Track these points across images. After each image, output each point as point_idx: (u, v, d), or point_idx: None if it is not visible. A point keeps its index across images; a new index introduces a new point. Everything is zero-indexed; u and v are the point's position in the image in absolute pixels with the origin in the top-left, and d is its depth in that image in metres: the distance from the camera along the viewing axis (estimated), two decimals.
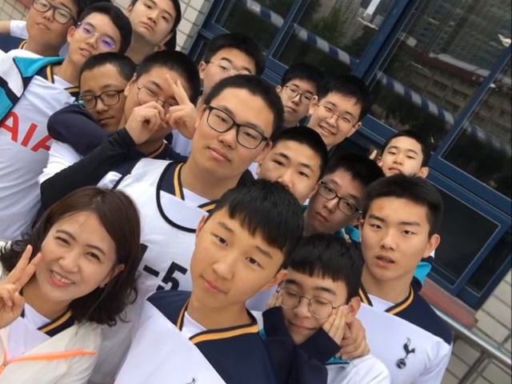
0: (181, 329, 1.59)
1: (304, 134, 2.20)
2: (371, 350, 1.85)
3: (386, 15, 4.38)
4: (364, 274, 1.96)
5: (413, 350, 2.01)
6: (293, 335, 1.75)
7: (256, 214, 1.44)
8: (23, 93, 2.42)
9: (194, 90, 2.21)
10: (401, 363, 2.00)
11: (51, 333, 1.68)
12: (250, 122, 1.76)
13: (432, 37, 4.55)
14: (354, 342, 1.81)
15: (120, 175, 1.97)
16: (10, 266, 1.60)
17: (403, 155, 2.93)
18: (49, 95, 2.44)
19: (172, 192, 1.90)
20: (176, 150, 2.47)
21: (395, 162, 2.91)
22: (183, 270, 1.83)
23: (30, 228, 2.49)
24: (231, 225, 1.46)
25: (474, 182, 3.96)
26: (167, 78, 2.08)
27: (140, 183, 1.94)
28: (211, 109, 1.78)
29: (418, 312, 2.07)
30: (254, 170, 2.21)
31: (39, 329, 1.67)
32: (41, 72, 2.48)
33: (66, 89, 2.49)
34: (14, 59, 2.44)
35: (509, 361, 3.49)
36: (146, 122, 2.04)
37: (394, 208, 1.95)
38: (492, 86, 4.01)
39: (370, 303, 2.02)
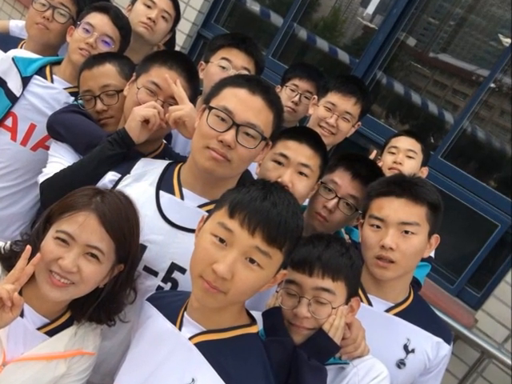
0: (180, 329, 1.59)
1: (304, 133, 2.20)
2: (371, 351, 1.84)
3: (386, 15, 4.38)
4: (364, 274, 1.95)
5: (412, 351, 2.01)
6: (292, 335, 1.74)
7: (255, 214, 1.44)
8: (22, 92, 2.41)
9: (194, 89, 2.21)
10: (400, 363, 1.99)
11: (50, 333, 1.68)
12: (250, 122, 1.76)
13: (432, 36, 4.55)
14: (354, 342, 1.80)
15: (119, 175, 1.96)
16: (9, 266, 1.60)
17: (403, 155, 2.93)
18: (48, 95, 2.44)
19: (171, 192, 1.90)
20: (175, 149, 2.46)
21: (395, 162, 2.91)
22: (182, 270, 1.83)
23: (29, 228, 2.48)
24: (231, 225, 1.46)
25: (473, 182, 3.96)
26: (166, 77, 2.08)
27: (139, 183, 1.93)
28: (211, 109, 1.78)
29: (417, 312, 2.07)
30: (254, 169, 2.21)
31: (38, 329, 1.67)
32: (40, 72, 2.48)
33: (65, 88, 2.49)
34: (13, 59, 2.44)
35: (509, 361, 3.49)
36: (146, 121, 2.04)
37: (394, 208, 1.94)
38: (492, 85, 4.01)
39: (369, 303, 2.02)
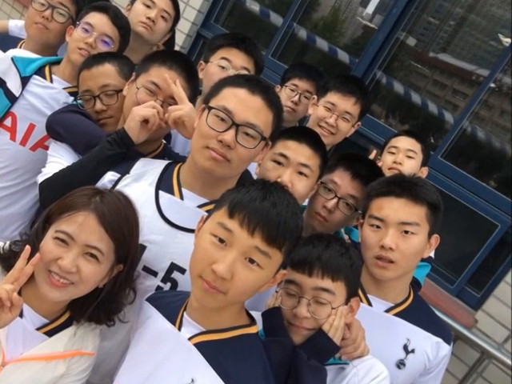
0: (180, 329, 1.59)
1: (303, 133, 2.20)
2: (371, 351, 1.84)
3: (386, 14, 4.38)
4: (363, 274, 1.95)
5: (412, 351, 2.01)
6: (292, 336, 1.74)
7: (255, 214, 1.44)
8: (22, 92, 2.41)
9: (193, 89, 2.21)
10: (400, 364, 1.99)
11: (50, 333, 1.68)
12: (249, 122, 1.75)
13: (432, 36, 4.55)
14: (354, 342, 1.80)
15: (119, 175, 1.96)
16: (8, 266, 1.60)
17: (403, 155, 2.93)
18: (47, 95, 2.44)
19: (171, 192, 1.89)
20: (175, 149, 2.46)
21: (395, 162, 2.91)
22: (182, 271, 1.82)
23: (28, 228, 2.48)
24: (230, 225, 1.46)
25: (473, 182, 3.96)
26: (166, 77, 2.07)
27: (139, 183, 1.93)
28: (210, 108, 1.78)
29: (417, 312, 2.07)
30: (253, 169, 2.21)
31: (38, 329, 1.67)
32: (39, 72, 2.48)
33: (64, 88, 2.49)
34: (12, 59, 2.43)
35: (509, 361, 3.49)
36: (145, 121, 2.03)
37: (394, 208, 1.94)
38: (492, 85, 4.01)
39: (369, 303, 2.01)
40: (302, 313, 1.72)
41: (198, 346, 1.53)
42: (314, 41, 4.92)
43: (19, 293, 1.49)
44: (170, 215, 1.85)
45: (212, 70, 2.55)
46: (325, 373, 1.71)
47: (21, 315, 1.59)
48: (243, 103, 1.76)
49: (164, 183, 1.92)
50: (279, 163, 2.14)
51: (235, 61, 2.54)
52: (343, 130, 2.83)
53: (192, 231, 1.64)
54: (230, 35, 2.75)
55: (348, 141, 3.26)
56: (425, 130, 4.50)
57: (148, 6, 2.92)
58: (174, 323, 1.61)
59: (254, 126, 1.76)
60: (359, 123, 2.94)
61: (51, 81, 2.49)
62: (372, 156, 3.12)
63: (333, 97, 2.80)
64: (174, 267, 1.83)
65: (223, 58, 2.54)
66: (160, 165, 1.99)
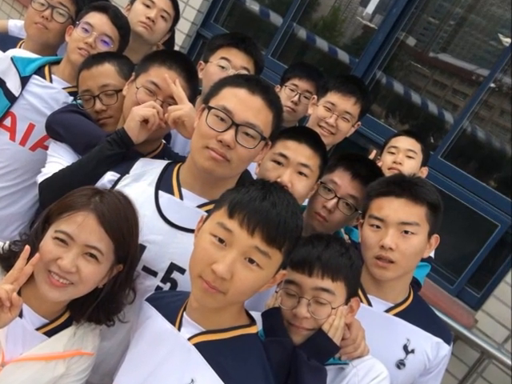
0: (179, 329, 1.59)
1: (303, 133, 2.20)
2: (371, 351, 1.84)
3: (386, 14, 4.38)
4: (363, 274, 1.95)
5: (412, 351, 2.00)
6: (292, 336, 1.74)
7: (255, 214, 1.44)
8: (21, 92, 2.41)
9: (193, 89, 2.20)
10: (400, 364, 1.99)
11: (49, 333, 1.68)
12: (249, 122, 1.75)
13: (432, 36, 4.55)
14: (354, 342, 1.80)
15: (118, 175, 1.96)
16: (7, 266, 1.60)
17: (403, 155, 2.93)
18: (47, 95, 2.43)
19: (171, 192, 1.89)
20: (175, 149, 2.46)
21: (395, 162, 2.90)
22: (182, 271, 1.82)
23: (28, 228, 2.48)
24: (230, 225, 1.45)
25: (473, 182, 3.96)
26: (166, 77, 2.07)
27: (138, 183, 1.93)
28: (210, 108, 1.78)
29: (417, 312, 2.06)
30: (253, 169, 2.20)
31: (37, 329, 1.67)
32: (39, 71, 2.47)
33: (64, 88, 2.48)
34: (12, 59, 2.43)
35: (509, 361, 3.48)
36: (145, 121, 2.03)
37: (394, 208, 1.94)
38: (492, 85, 4.00)
39: (369, 304, 2.01)
40: (302, 313, 1.72)
41: (197, 346, 1.53)
42: (314, 41, 4.92)
43: (19, 293, 1.49)
44: (169, 215, 1.85)
45: (212, 69, 2.55)
46: (325, 373, 1.71)
47: (20, 315, 1.59)
48: (243, 103, 1.76)
49: (164, 183, 1.91)
50: (279, 163, 2.13)
51: (235, 61, 2.54)
52: (343, 129, 2.82)
53: (192, 231, 1.64)
54: (229, 35, 2.75)
55: (348, 141, 3.26)
56: (425, 130, 4.50)
57: (148, 6, 2.92)
58: (173, 323, 1.61)
59: (254, 125, 1.76)
60: (359, 123, 2.94)
61: (51, 81, 2.49)
62: (372, 156, 3.12)
63: (333, 97, 2.80)
64: (173, 267, 1.83)
65: (223, 58, 2.54)
66: (160, 165, 1.99)
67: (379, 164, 2.84)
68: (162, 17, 2.96)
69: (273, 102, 1.82)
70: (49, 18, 2.66)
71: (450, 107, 4.48)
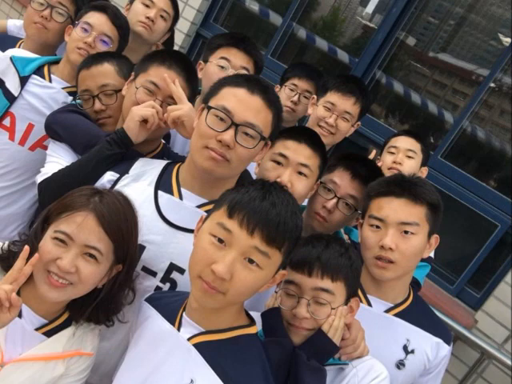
0: (179, 330, 1.59)
1: (303, 133, 2.19)
2: (370, 351, 1.84)
3: (386, 14, 4.38)
4: (363, 274, 1.95)
5: (412, 351, 2.00)
6: (291, 336, 1.74)
7: (254, 214, 1.44)
8: (20, 92, 2.40)
9: (192, 89, 2.20)
10: (400, 364, 1.99)
11: (49, 334, 1.68)
12: (249, 122, 1.75)
13: (431, 36, 4.55)
14: (353, 342, 1.80)
15: (118, 175, 1.96)
16: (7, 266, 1.60)
17: (402, 155, 2.92)
18: (46, 94, 2.43)
19: (170, 192, 1.89)
20: (174, 149, 2.46)
21: (394, 162, 2.90)
22: (181, 271, 1.82)
23: (27, 228, 2.48)
24: (229, 225, 1.45)
25: (473, 182, 3.96)
26: (165, 77, 2.07)
27: (138, 183, 1.93)
28: (209, 108, 1.78)
29: (417, 313, 2.06)
30: (253, 169, 2.20)
31: (36, 329, 1.66)
32: (38, 71, 2.47)
33: (63, 88, 2.48)
34: (11, 58, 2.42)
35: (509, 362, 3.48)
36: (144, 121, 2.03)
37: (394, 208, 1.94)
38: (492, 85, 4.01)
39: (369, 304, 2.01)
40: (302, 313, 1.72)
41: (197, 346, 1.53)
42: (314, 40, 4.92)
43: (18, 293, 1.49)
44: (169, 215, 1.85)
45: (211, 69, 2.55)
46: (324, 373, 1.70)
47: (20, 315, 1.59)
48: (242, 103, 1.76)
49: (163, 183, 1.91)
50: (279, 163, 2.13)
51: (234, 60, 2.54)
52: (343, 129, 2.82)
53: (191, 231, 1.64)
54: (229, 35, 2.75)
55: (348, 141, 3.26)
56: (425, 130, 4.50)
57: (147, 6, 2.92)
58: (173, 323, 1.61)
59: (254, 125, 1.76)
60: (359, 123, 2.94)
61: (50, 80, 2.48)
62: (372, 156, 3.11)
63: (332, 96, 2.79)
64: (173, 267, 1.83)
65: (222, 58, 2.54)
66: (159, 165, 1.99)
67: (379, 164, 2.84)
68: (162, 16, 2.95)
69: (272, 102, 1.82)
70: (48, 17, 2.65)
71: (450, 107, 4.48)
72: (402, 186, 1.95)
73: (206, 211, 1.70)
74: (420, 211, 1.94)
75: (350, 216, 2.24)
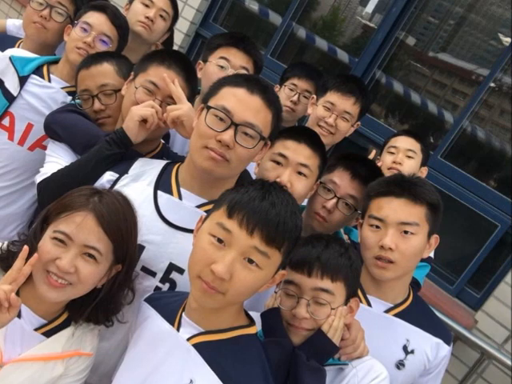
0: (178, 330, 1.59)
1: (302, 133, 2.19)
2: (370, 351, 1.84)
3: (385, 14, 4.38)
4: (363, 274, 1.95)
5: (412, 351, 2.00)
6: (291, 336, 1.74)
7: (254, 214, 1.44)
8: (20, 92, 2.40)
9: (192, 89, 2.20)
10: (400, 364, 1.99)
11: (48, 334, 1.67)
12: (248, 122, 1.75)
13: (431, 36, 4.55)
14: (353, 343, 1.80)
15: (117, 175, 1.96)
16: (6, 266, 1.59)
17: (402, 155, 2.92)
18: (45, 94, 2.43)
19: (169, 192, 1.89)
20: (173, 149, 2.46)
21: (394, 162, 2.90)
22: (181, 271, 1.82)
23: (26, 228, 2.48)
24: (229, 225, 1.45)
25: (473, 182, 3.96)
26: (165, 77, 2.07)
27: (137, 183, 1.93)
28: (209, 108, 1.77)
29: (417, 313, 2.06)
30: (252, 169, 2.20)
31: (36, 330, 1.66)
32: (37, 71, 2.47)
33: (62, 88, 2.48)
34: (10, 58, 2.42)
35: (509, 362, 3.48)
36: (144, 121, 2.03)
37: (393, 208, 1.94)
38: (492, 85, 4.01)
39: (368, 304, 2.01)
40: (302, 313, 1.71)
41: (196, 346, 1.53)
42: (314, 40, 4.92)
43: (17, 293, 1.49)
44: (168, 215, 1.85)
45: (211, 69, 2.54)
46: (324, 373, 1.70)
47: (19, 316, 1.59)
48: (242, 103, 1.76)
49: (162, 183, 1.91)
50: (278, 163, 2.13)
51: (234, 60, 2.53)
52: (342, 129, 2.82)
53: (191, 231, 1.65)
54: (228, 35, 2.74)
55: (347, 141, 3.26)
56: (424, 130, 4.49)
57: (146, 6, 2.91)
58: (172, 324, 1.61)
59: (253, 125, 1.76)
60: (358, 123, 2.94)
61: (49, 80, 2.48)
62: (371, 156, 3.11)
63: (332, 96, 2.79)
64: (172, 267, 1.82)
65: (222, 58, 2.54)
66: (158, 165, 1.99)
67: (379, 164, 2.84)
68: (161, 16, 2.95)
69: (272, 102, 1.82)
70: (47, 17, 2.65)
71: (450, 107, 4.48)
72: (402, 186, 1.95)
73: (206, 211, 1.70)
74: (420, 211, 1.94)
75: (350, 216, 2.24)
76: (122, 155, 2.03)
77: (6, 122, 2.40)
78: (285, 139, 2.14)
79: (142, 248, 1.81)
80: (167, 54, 2.19)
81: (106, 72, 2.29)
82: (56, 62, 2.56)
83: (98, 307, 1.71)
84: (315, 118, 2.84)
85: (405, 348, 2.00)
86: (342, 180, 2.23)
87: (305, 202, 2.30)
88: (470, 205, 3.93)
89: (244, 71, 2.52)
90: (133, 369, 1.62)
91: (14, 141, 2.41)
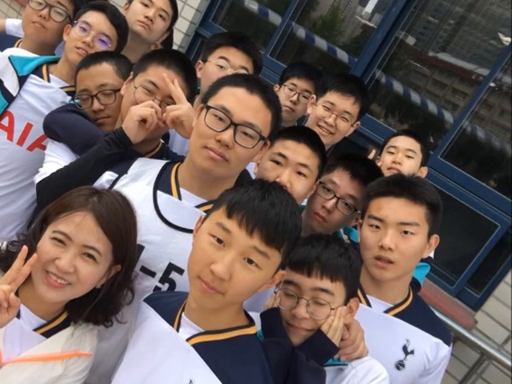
0: (178, 330, 1.58)
1: (302, 133, 2.19)
2: (370, 352, 1.84)
3: (385, 13, 4.38)
4: (363, 274, 1.95)
5: (412, 352, 2.00)
6: (291, 336, 1.73)
7: (254, 214, 1.43)
8: (19, 92, 2.40)
9: (191, 89, 2.20)
10: (400, 365, 1.99)
11: (47, 334, 1.67)
12: (248, 122, 1.75)
13: (431, 35, 4.55)
14: (353, 343, 1.80)
15: (116, 175, 1.95)
16: (5, 266, 1.59)
17: (402, 155, 2.92)
18: (45, 94, 2.42)
19: (169, 192, 1.89)
20: (173, 149, 2.45)
21: (394, 162, 2.90)
22: (180, 271, 1.82)
23: (25, 228, 2.48)
24: (229, 225, 1.45)
25: (473, 182, 3.96)
26: (164, 76, 2.06)
27: (137, 183, 1.92)
28: (208, 108, 1.77)
29: (417, 313, 2.06)
30: (252, 169, 2.20)
31: (35, 330, 1.66)
32: (37, 71, 2.47)
33: (61, 88, 2.47)
34: (9, 58, 2.42)
35: (509, 362, 3.48)
36: (143, 121, 2.02)
37: (393, 208, 1.93)
38: (492, 85, 4.01)
39: (368, 304, 2.01)
40: (301, 313, 1.71)
41: (196, 346, 1.53)
42: (313, 40, 4.92)
43: (16, 293, 1.49)
44: (167, 215, 1.85)
45: (210, 69, 2.54)
46: (324, 374, 1.70)
47: (18, 316, 1.59)
48: (242, 103, 1.76)
49: (162, 183, 1.91)
50: (278, 163, 2.13)
51: (233, 60, 2.53)
52: (342, 129, 2.81)
53: (190, 231, 1.64)
54: (228, 34, 2.74)
55: (347, 140, 3.26)
56: (424, 130, 4.49)
57: (146, 5, 2.91)
58: (172, 324, 1.60)
59: (253, 125, 1.75)
60: (358, 123, 2.93)
61: (49, 80, 2.48)
62: (371, 156, 3.11)
63: (332, 96, 2.79)
64: (171, 268, 1.82)
65: (221, 58, 2.53)
66: (158, 164, 1.99)
67: (378, 164, 2.84)
68: (161, 16, 2.95)
69: (272, 102, 1.82)
70: (46, 17, 2.65)
71: (450, 107, 4.48)
72: (402, 186, 1.95)
73: (205, 211, 1.70)
74: (420, 211, 1.94)
75: (350, 216, 2.23)
76: (122, 155, 2.03)
77: (5, 121, 2.40)
78: (284, 139, 2.14)
79: (141, 248, 1.80)
80: (167, 53, 2.19)
81: (105, 72, 2.29)
82: (55, 61, 2.56)
83: (98, 307, 1.71)
84: (315, 118, 2.83)
85: (404, 348, 1.99)
86: (341, 180, 2.23)
87: (304, 202, 2.30)
88: (470, 205, 3.93)
89: (243, 71, 2.52)
90: (132, 369, 1.62)
91: (13, 141, 2.41)
